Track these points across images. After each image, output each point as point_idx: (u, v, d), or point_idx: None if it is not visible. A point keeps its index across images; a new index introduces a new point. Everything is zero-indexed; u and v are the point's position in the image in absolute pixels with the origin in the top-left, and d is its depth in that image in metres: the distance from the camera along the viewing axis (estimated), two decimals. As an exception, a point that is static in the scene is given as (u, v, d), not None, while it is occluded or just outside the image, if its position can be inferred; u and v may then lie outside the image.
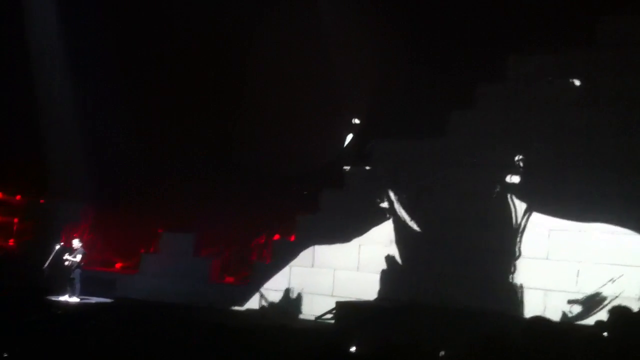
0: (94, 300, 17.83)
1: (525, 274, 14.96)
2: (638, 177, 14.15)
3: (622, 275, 13.97)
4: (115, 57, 20.93)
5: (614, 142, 14.61)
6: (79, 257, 17.64)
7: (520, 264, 15.09)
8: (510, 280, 15.03)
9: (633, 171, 14.20)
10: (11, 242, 21.19)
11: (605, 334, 9.78)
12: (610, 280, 14.03)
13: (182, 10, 20.48)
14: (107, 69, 20.92)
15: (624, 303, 12.03)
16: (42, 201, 20.54)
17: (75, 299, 17.43)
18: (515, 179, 15.45)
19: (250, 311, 16.81)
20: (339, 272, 16.65)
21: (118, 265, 20.51)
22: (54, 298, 17.21)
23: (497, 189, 15.53)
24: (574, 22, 15.00)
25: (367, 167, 17.10)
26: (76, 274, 17.66)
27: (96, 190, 20.63)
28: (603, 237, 14.37)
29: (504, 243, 15.20)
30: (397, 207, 16.57)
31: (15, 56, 21.01)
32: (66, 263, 17.55)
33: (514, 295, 14.89)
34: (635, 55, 14.76)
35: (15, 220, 21.36)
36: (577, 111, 15.09)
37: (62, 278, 17.70)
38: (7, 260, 20.06)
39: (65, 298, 17.37)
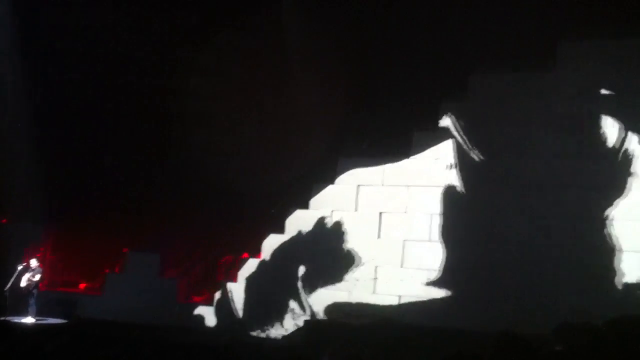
0: (50, 321, 17.56)
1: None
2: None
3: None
4: (70, 73, 20.64)
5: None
6: (37, 277, 17.41)
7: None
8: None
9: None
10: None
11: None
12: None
13: (133, 18, 20.29)
14: (62, 88, 20.64)
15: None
16: (4, 221, 20.16)
17: (31, 320, 17.14)
18: (471, 199, 15.75)
19: (218, 330, 16.72)
20: (309, 291, 16.73)
21: (82, 286, 20.21)
22: (11, 319, 16.87)
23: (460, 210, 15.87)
24: (536, 44, 15.39)
25: (333, 186, 17.29)
26: (34, 294, 17.41)
27: (59, 210, 20.33)
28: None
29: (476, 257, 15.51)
30: (361, 225, 16.79)
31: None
32: (23, 284, 17.30)
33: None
34: (590, 80, 15.20)
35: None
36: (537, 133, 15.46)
37: (22, 299, 17.42)
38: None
39: (23, 319, 17.08)
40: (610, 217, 14.59)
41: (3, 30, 20.33)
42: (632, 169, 14.65)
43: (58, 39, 20.38)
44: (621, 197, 14.61)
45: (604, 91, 15.05)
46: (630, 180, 14.61)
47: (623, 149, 14.75)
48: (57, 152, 20.64)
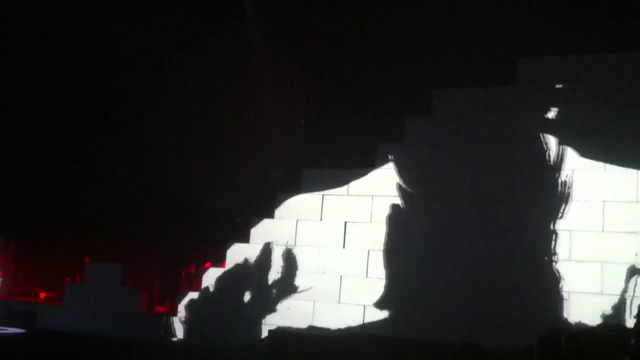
0: (9, 330, 17.25)
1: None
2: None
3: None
4: (27, 80, 20.28)
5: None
6: (-5, 286, 17.13)
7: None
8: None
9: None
10: None
11: None
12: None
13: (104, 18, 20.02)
14: (19, 94, 20.28)
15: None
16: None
17: (-11, 329, 16.88)
18: (438, 211, 15.90)
19: (180, 341, 16.56)
20: (272, 301, 16.68)
21: (42, 295, 19.88)
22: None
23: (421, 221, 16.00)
24: (497, 60, 15.63)
25: (298, 196, 17.30)
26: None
27: (19, 219, 19.99)
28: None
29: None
30: (327, 235, 16.82)
31: None
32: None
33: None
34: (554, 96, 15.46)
35: None
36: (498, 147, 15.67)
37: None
38: None
39: (-17, 329, 16.79)
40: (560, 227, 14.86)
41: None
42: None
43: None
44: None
45: (559, 106, 15.33)
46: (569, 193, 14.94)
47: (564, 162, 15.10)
48: (17, 159, 20.32)
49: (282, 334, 15.36)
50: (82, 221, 19.57)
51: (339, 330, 15.92)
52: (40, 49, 20.02)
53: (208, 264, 18.20)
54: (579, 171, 15.03)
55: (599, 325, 13.79)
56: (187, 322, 17.02)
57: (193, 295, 17.60)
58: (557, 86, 15.35)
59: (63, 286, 18.92)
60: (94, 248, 19.37)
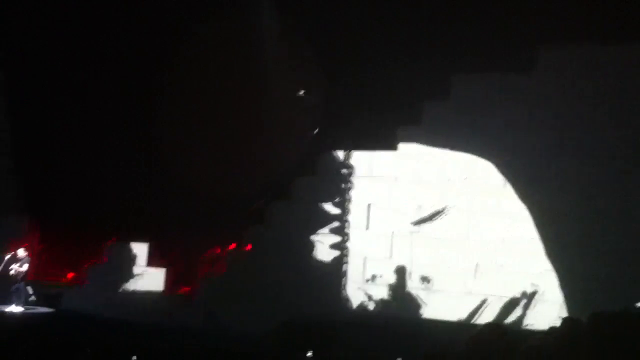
0: (38, 310, 17.52)
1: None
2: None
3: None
4: (49, 59, 20.51)
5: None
6: (25, 267, 17.35)
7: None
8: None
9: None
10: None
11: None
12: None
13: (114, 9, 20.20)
14: (40, 71, 20.50)
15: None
16: (-10, 213, 20.04)
17: (19, 309, 17.11)
18: (459, 195, 15.73)
19: (203, 322, 16.68)
20: (291, 285, 16.70)
21: (68, 276, 20.17)
22: (-2, 308, 16.90)
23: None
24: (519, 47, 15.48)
25: (316, 179, 17.28)
26: (20, 284, 17.36)
27: (46, 201, 20.27)
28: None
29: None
30: (345, 219, 16.80)
31: None
32: (11, 272, 17.25)
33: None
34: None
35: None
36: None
37: (7, 288, 17.39)
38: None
39: (10, 308, 17.05)
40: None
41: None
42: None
43: (35, 28, 20.21)
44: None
45: (582, 94, 15.16)
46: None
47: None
48: (43, 142, 20.60)
49: (298, 320, 15.38)
50: (108, 202, 19.77)
51: (363, 314, 15.94)
52: (59, 39, 20.26)
53: (232, 245, 18.31)
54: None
55: None
56: (209, 304, 17.12)
57: (216, 277, 17.74)
58: (577, 74, 15.20)
59: (88, 267, 19.18)
60: (119, 229, 19.54)
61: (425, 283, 15.81)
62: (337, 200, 17.03)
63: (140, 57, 19.59)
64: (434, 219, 16.06)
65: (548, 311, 14.60)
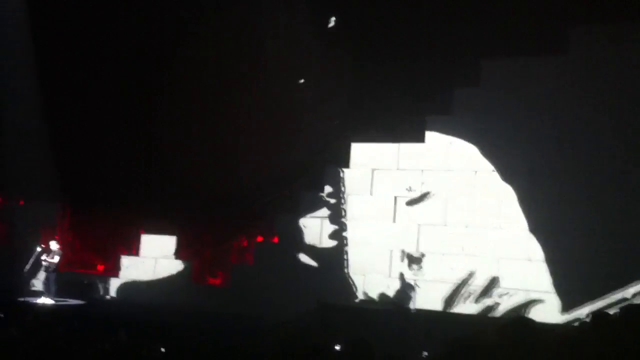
0: (69, 302, 17.77)
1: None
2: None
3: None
4: (83, 49, 20.73)
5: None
6: (56, 259, 17.55)
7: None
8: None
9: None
10: (-9, 244, 21.03)
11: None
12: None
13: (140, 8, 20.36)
14: (75, 64, 20.75)
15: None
16: (21, 203, 20.38)
17: (50, 301, 17.34)
18: (490, 183, 15.66)
19: (231, 313, 16.79)
20: (323, 274, 16.76)
21: (99, 267, 20.42)
22: (29, 300, 17.08)
23: (474, 193, 15.77)
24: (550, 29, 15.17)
25: (348, 169, 17.25)
26: (51, 275, 17.57)
27: (76, 192, 20.51)
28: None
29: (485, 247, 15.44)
30: (376, 209, 16.75)
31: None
32: (43, 264, 17.46)
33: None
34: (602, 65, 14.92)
35: (-6, 222, 21.21)
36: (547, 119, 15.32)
37: (40, 280, 17.62)
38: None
39: (41, 300, 17.28)
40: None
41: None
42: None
43: (71, 17, 20.44)
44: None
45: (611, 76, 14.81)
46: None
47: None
48: (74, 132, 20.82)
49: (330, 308, 15.44)
50: (137, 193, 19.95)
51: (389, 304, 15.93)
52: (90, 28, 20.44)
53: (259, 237, 18.39)
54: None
55: None
56: (237, 294, 17.22)
57: (244, 267, 17.85)
58: (608, 56, 14.83)
59: (119, 258, 19.40)
60: (149, 220, 19.72)
61: (452, 274, 15.71)
62: (363, 191, 16.99)
63: (162, 51, 19.72)
64: (463, 211, 15.93)
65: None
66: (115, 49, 20.21)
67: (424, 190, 16.37)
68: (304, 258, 17.07)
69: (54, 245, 17.70)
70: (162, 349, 10.23)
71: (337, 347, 10.79)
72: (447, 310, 15.35)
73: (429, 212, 16.26)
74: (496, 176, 15.61)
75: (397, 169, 16.77)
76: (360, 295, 16.36)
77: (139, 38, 19.85)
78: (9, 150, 20.74)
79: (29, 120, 21.06)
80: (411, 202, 16.47)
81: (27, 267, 17.25)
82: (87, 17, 20.29)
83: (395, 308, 15.53)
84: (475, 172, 15.89)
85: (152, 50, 19.88)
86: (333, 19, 18.44)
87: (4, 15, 20.73)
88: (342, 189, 17.26)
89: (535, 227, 15.04)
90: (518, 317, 12.90)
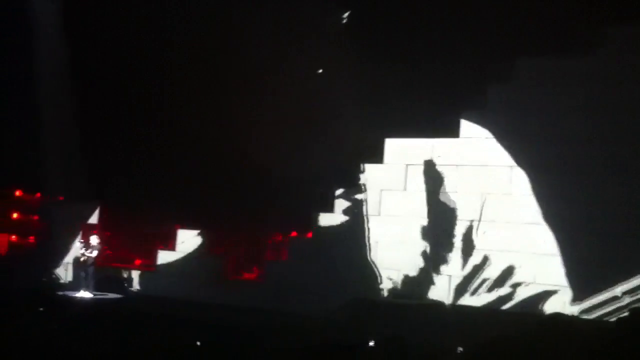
0: (107, 296, 18.07)
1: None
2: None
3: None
4: (120, 54, 21.09)
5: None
6: (94, 253, 17.85)
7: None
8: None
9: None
10: (31, 239, 21.50)
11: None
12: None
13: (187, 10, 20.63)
14: (112, 67, 21.14)
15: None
16: (61, 198, 20.78)
17: (88, 295, 17.65)
18: (520, 178, 15.52)
19: (265, 309, 16.91)
20: (357, 270, 16.79)
21: (137, 262, 20.74)
22: (69, 294, 17.40)
23: (506, 189, 15.68)
24: (579, 28, 15.02)
25: (382, 165, 17.25)
26: (90, 270, 17.88)
27: (113, 188, 20.87)
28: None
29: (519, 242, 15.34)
30: (410, 205, 16.73)
31: (19, 57, 21.28)
32: (82, 259, 17.78)
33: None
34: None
35: (35, 218, 21.67)
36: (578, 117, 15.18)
37: (78, 274, 17.93)
38: (27, 257, 20.40)
39: (80, 294, 17.61)
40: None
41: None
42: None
43: (106, 17, 20.80)
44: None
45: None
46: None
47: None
48: (110, 130, 21.20)
49: (364, 303, 15.48)
50: (173, 190, 20.22)
51: (423, 298, 15.93)
52: (125, 28, 20.78)
53: (294, 233, 18.48)
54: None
55: None
56: (272, 290, 17.34)
57: (279, 263, 17.96)
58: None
59: (156, 253, 19.68)
60: (185, 216, 19.96)
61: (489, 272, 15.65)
62: (397, 186, 16.99)
63: (197, 52, 19.97)
64: (498, 206, 15.84)
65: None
66: (149, 51, 20.51)
67: (459, 186, 16.29)
68: (338, 254, 17.10)
69: (93, 240, 18.02)
70: (197, 343, 10.43)
71: (371, 343, 10.86)
72: (482, 305, 15.26)
73: (463, 207, 16.19)
74: (531, 172, 15.49)
75: (432, 165, 16.71)
76: (394, 290, 16.35)
77: (171, 40, 20.15)
78: (48, 149, 21.22)
79: (68, 120, 21.52)
80: (445, 198, 16.40)
81: (67, 261, 17.56)
82: (120, 19, 20.61)
83: (430, 303, 15.50)
84: (511, 167, 15.78)
85: (186, 52, 20.15)
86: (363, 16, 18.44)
87: (42, 22, 21.29)
88: (376, 185, 17.24)
89: (570, 224, 14.89)
90: (557, 315, 12.88)
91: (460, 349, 11.37)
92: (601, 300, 14.26)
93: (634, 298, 13.95)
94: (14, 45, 21.24)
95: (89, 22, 20.99)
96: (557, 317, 12.77)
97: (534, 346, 9.96)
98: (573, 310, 14.41)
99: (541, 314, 14.14)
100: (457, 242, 16.16)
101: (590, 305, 14.39)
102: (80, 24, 21.09)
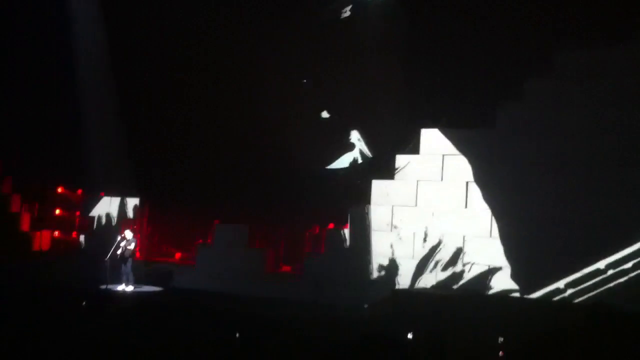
0: (148, 289, 18.31)
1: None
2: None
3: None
4: (162, 50, 21.33)
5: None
6: (132, 246, 18.08)
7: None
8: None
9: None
10: (74, 234, 21.91)
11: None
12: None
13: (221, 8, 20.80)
14: (154, 64, 21.40)
15: None
16: (102, 194, 21.11)
17: (129, 288, 17.90)
18: (555, 175, 15.31)
19: (304, 301, 17.00)
20: (394, 261, 16.77)
21: (177, 256, 21.00)
22: (111, 287, 17.65)
23: (546, 185, 15.45)
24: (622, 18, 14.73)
25: (418, 156, 17.16)
26: (130, 263, 18.11)
27: (155, 184, 21.16)
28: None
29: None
30: (446, 194, 16.62)
31: (60, 57, 21.65)
32: (123, 253, 18.00)
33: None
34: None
35: (77, 213, 22.08)
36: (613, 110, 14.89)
37: (119, 268, 18.19)
38: (71, 253, 20.81)
39: (121, 288, 17.87)
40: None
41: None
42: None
43: (148, 20, 21.06)
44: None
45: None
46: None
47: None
48: (152, 128, 21.51)
49: (405, 294, 15.46)
50: (212, 185, 20.42)
51: (462, 289, 15.83)
52: (166, 30, 21.04)
53: (331, 225, 18.51)
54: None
55: None
56: (310, 282, 17.41)
57: (317, 255, 18.01)
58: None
59: (195, 247, 19.89)
60: (223, 210, 20.15)
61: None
62: (434, 177, 16.90)
63: (235, 53, 20.13)
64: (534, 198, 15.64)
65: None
66: (191, 47, 20.72)
67: (496, 177, 16.15)
68: (375, 245, 17.09)
69: (129, 233, 18.24)
70: (237, 335, 10.55)
71: (410, 336, 10.84)
72: (524, 296, 15.12)
73: (501, 198, 16.03)
74: (568, 166, 15.28)
75: (467, 155, 16.58)
76: (433, 281, 16.29)
77: (211, 40, 20.33)
78: (90, 146, 21.60)
79: (109, 117, 21.89)
80: (484, 188, 16.26)
81: (108, 256, 17.82)
82: (163, 19, 20.85)
83: (469, 294, 15.40)
84: (548, 160, 15.58)
85: (226, 50, 20.31)
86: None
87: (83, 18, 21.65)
88: (412, 175, 17.17)
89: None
90: (599, 304, 12.68)
91: (501, 339, 11.29)
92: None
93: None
94: (56, 45, 21.63)
95: (130, 19, 21.25)
96: (605, 308, 12.59)
97: (583, 337, 9.86)
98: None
99: (589, 305, 13.91)
100: (496, 232, 16.03)
101: None
102: (121, 21, 21.38)
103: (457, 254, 16.26)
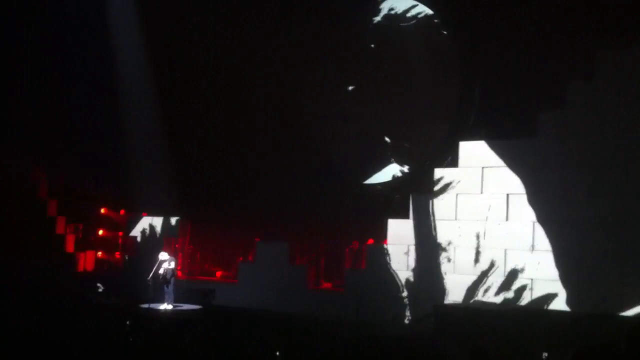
0: (189, 307, 18.38)
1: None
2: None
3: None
4: (203, 74, 21.62)
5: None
6: (172, 265, 18.17)
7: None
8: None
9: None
10: (117, 255, 22.21)
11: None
12: None
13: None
14: (194, 81, 21.68)
15: None
16: (144, 214, 21.38)
17: (171, 307, 17.99)
18: (603, 181, 15.01)
19: (346, 318, 16.91)
20: (435, 276, 16.59)
21: (218, 274, 21.11)
22: (153, 306, 17.76)
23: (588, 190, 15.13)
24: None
25: (457, 169, 16.98)
26: (171, 282, 18.19)
27: (196, 203, 21.37)
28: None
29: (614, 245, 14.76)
30: (486, 207, 16.38)
31: (102, 79, 22.02)
32: (161, 271, 18.12)
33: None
34: None
35: (120, 234, 22.38)
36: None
37: (161, 287, 18.31)
38: (114, 273, 21.08)
39: (163, 306, 17.98)
40: None
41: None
42: None
43: (189, 35, 21.36)
44: None
45: None
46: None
47: None
48: (192, 148, 21.80)
49: (445, 310, 15.26)
50: (252, 204, 20.55)
51: (505, 304, 15.58)
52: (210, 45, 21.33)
53: (371, 240, 18.43)
54: None
55: None
56: (352, 298, 17.32)
57: (358, 271, 17.92)
58: None
59: (237, 265, 19.97)
60: (264, 228, 20.23)
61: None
62: (474, 189, 16.68)
63: (282, 65, 20.31)
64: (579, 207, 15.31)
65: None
66: (235, 72, 20.94)
67: (537, 188, 15.86)
68: (416, 260, 16.94)
69: (173, 254, 18.38)
70: (277, 353, 10.50)
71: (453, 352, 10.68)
72: (567, 310, 14.80)
73: (543, 209, 15.73)
74: (615, 172, 14.92)
75: (508, 167, 16.33)
76: (475, 296, 16.05)
77: (257, 60, 20.56)
78: (131, 166, 21.91)
79: (150, 138, 22.18)
80: (525, 200, 15.99)
81: (150, 275, 17.97)
82: (208, 38, 21.13)
83: (512, 308, 15.15)
84: (595, 168, 15.23)
85: (268, 72, 20.52)
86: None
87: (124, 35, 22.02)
88: (452, 188, 16.98)
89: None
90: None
91: (546, 354, 11.06)
92: None
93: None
94: (98, 64, 21.99)
95: (175, 42, 21.58)
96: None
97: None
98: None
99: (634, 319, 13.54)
100: (539, 244, 15.74)
101: None
102: (164, 46, 21.72)
103: (499, 267, 16.01)
